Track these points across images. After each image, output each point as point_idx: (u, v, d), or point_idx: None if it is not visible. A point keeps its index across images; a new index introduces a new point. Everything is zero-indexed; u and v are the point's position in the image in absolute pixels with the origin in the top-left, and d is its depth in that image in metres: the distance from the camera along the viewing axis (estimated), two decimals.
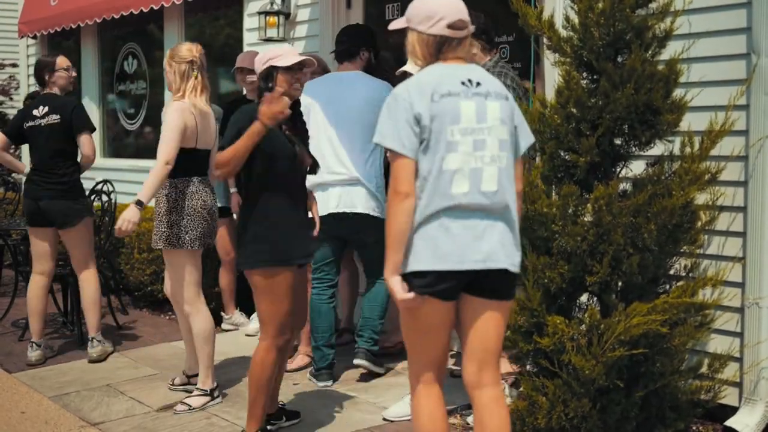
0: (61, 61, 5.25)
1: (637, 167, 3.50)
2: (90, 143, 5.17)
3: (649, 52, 3.39)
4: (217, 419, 4.15)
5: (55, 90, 5.21)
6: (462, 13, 2.81)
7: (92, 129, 5.26)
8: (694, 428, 3.79)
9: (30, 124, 5.12)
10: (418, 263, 2.73)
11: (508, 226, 2.79)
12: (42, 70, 5.23)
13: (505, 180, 2.78)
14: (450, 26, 2.78)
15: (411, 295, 2.72)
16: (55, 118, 5.08)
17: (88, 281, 5.22)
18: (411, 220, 2.72)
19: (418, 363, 2.85)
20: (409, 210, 2.71)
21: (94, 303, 5.21)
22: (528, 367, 3.48)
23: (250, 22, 6.60)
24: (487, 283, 2.80)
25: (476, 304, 2.84)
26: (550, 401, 3.27)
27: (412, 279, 2.75)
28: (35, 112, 5.12)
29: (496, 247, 2.76)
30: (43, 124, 5.09)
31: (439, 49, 2.80)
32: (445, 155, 2.71)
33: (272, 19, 6.19)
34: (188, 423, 4.11)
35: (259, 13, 6.25)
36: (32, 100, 6.37)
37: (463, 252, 2.72)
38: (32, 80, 8.51)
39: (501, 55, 4.36)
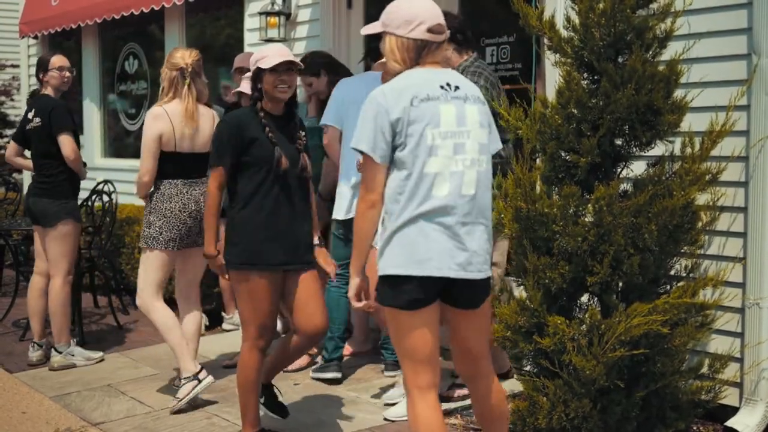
0: (56, 60, 5.15)
1: (637, 168, 3.50)
2: (68, 144, 5.03)
3: (650, 52, 3.40)
4: (218, 419, 4.16)
5: (49, 90, 5.14)
6: (440, 17, 2.82)
7: (71, 129, 5.08)
8: (694, 428, 3.80)
9: (28, 127, 5.12)
10: (394, 267, 2.76)
11: (486, 230, 2.84)
12: (38, 69, 5.21)
13: (484, 183, 2.82)
14: (430, 30, 2.79)
15: (361, 304, 2.90)
16: (38, 121, 5.05)
17: (51, 290, 5.06)
18: (375, 227, 2.78)
19: (408, 367, 2.83)
20: (374, 218, 2.77)
21: (52, 314, 5.05)
22: (528, 367, 3.48)
23: (250, 22, 6.60)
24: (463, 293, 2.83)
25: (455, 313, 2.89)
26: (550, 401, 3.27)
27: (384, 283, 2.79)
28: (29, 116, 5.12)
29: (473, 257, 2.78)
30: (33, 127, 5.07)
31: (419, 53, 2.81)
32: (427, 159, 2.72)
33: (273, 20, 6.20)
34: (189, 423, 4.11)
35: (260, 14, 6.26)
36: (32, 98, 6.36)
37: (440, 258, 2.73)
38: (33, 80, 8.52)
39: (478, 55, 4.33)
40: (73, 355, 5.11)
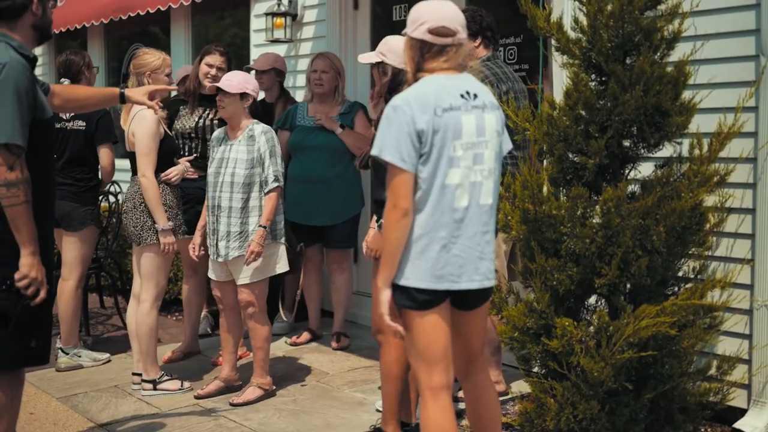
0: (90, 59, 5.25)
1: (645, 169, 3.50)
2: (108, 156, 5.02)
3: (658, 53, 3.39)
4: (225, 420, 4.16)
5: None
6: (447, 20, 2.76)
7: (114, 140, 5.07)
8: (702, 430, 3.79)
9: (57, 126, 4.90)
10: (416, 281, 2.76)
11: (494, 236, 2.89)
12: (79, 65, 5.11)
13: (497, 192, 2.86)
14: (430, 31, 2.75)
15: (394, 325, 2.80)
16: (80, 124, 4.96)
17: (64, 293, 4.99)
18: (406, 236, 2.74)
19: (422, 367, 2.85)
20: (406, 227, 2.74)
21: (64, 316, 5.01)
22: (536, 368, 3.48)
23: (257, 23, 6.60)
24: (473, 297, 2.88)
25: (459, 314, 2.92)
26: (558, 403, 3.27)
27: (404, 292, 2.79)
28: (62, 114, 4.94)
29: (491, 265, 2.87)
30: (68, 128, 4.97)
31: (421, 53, 2.78)
32: (448, 170, 2.72)
33: (279, 21, 6.20)
34: (196, 424, 4.12)
35: (266, 15, 6.26)
36: None
37: (461, 272, 2.78)
38: None
39: (494, 55, 4.29)
40: (79, 356, 5.11)
